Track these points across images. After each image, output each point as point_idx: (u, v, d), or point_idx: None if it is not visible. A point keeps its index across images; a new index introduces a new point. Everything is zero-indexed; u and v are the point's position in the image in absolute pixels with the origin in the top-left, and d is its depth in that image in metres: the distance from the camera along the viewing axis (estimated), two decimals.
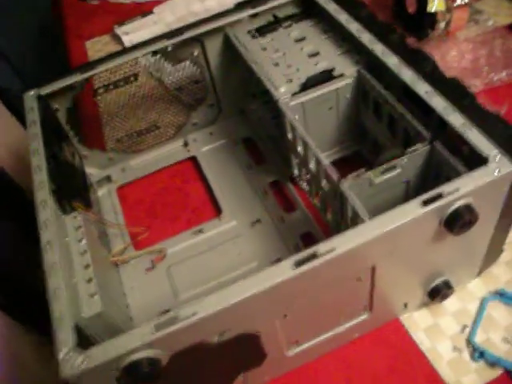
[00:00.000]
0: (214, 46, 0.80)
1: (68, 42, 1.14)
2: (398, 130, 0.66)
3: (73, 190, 0.72)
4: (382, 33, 0.69)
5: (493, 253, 0.65)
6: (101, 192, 0.85)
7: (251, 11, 0.77)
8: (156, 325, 0.48)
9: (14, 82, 1.65)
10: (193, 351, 0.51)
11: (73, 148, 0.80)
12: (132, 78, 0.79)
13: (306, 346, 0.61)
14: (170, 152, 0.88)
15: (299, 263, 0.49)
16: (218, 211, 0.79)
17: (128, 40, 1.08)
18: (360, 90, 0.71)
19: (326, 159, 0.76)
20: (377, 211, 0.63)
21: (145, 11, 1.15)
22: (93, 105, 0.91)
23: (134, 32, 1.09)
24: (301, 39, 0.75)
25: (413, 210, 0.50)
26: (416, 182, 0.64)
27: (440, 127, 0.58)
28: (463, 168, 0.56)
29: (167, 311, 0.70)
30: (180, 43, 0.77)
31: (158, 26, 1.09)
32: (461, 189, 0.50)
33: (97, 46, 1.11)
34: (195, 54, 0.79)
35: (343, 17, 0.72)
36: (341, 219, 0.61)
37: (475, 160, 0.53)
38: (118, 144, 0.87)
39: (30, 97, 0.72)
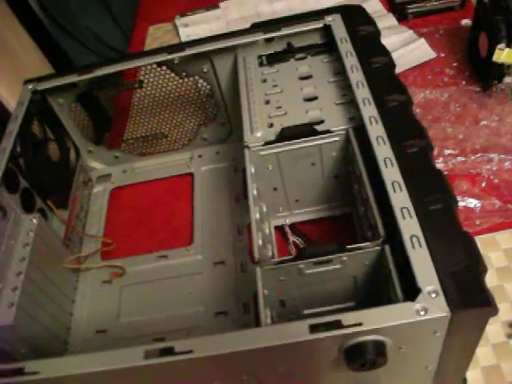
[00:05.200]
0: (224, 65, 0.73)
1: (135, 22, 1.14)
2: (367, 213, 0.56)
3: (48, 189, 0.72)
4: (388, 91, 0.58)
5: None
6: (97, 189, 0.84)
7: (266, 35, 0.69)
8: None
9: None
10: None
11: (70, 143, 0.79)
12: (137, 85, 0.76)
13: None
14: (174, 163, 0.84)
15: (150, 355, 0.44)
16: (190, 240, 0.74)
17: (185, 33, 1.04)
18: (349, 150, 0.61)
19: (311, 214, 0.69)
20: (317, 301, 0.56)
21: (214, 3, 1.10)
22: (126, 97, 0.91)
23: (193, 25, 1.05)
24: (306, 77, 0.66)
25: (298, 332, 0.42)
26: (368, 278, 0.54)
27: (394, 230, 0.48)
28: (400, 292, 0.46)
29: (103, 331, 0.70)
30: (188, 58, 0.72)
31: (219, 22, 1.04)
32: (364, 324, 0.41)
33: (157, 33, 1.08)
34: (205, 70, 0.74)
35: (351, 62, 0.61)
36: None
37: (412, 287, 0.43)
38: (131, 143, 0.85)
39: (26, 90, 0.72)
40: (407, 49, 0.92)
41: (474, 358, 0.58)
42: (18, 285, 0.62)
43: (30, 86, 0.73)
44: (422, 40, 0.94)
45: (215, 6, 1.10)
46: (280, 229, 0.71)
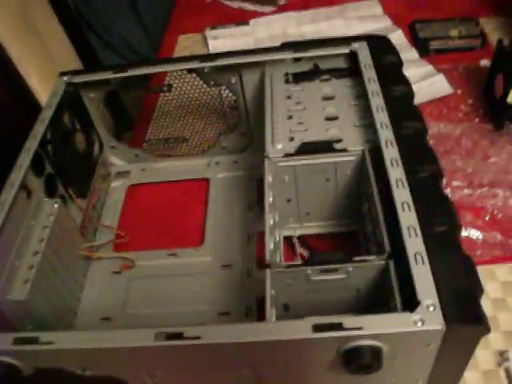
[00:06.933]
0: (251, 79, 0.77)
1: (166, 31, 1.18)
2: (375, 230, 0.59)
3: (70, 178, 0.76)
4: (404, 118, 0.61)
5: None
6: (115, 184, 0.87)
7: (295, 54, 0.73)
8: (15, 338, 0.49)
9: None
10: (58, 373, 0.51)
11: (95, 136, 0.83)
12: (165, 89, 0.79)
13: None
14: (191, 167, 0.88)
15: (160, 337, 0.46)
16: (201, 241, 0.77)
17: (213, 45, 1.08)
18: (363, 171, 0.64)
19: (319, 229, 0.72)
20: (319, 309, 0.58)
21: (244, 20, 1.15)
22: (152, 99, 0.95)
23: (222, 38, 1.09)
24: (329, 98, 0.70)
25: (301, 330, 0.45)
26: (370, 291, 0.56)
27: (398, 247, 0.51)
28: (400, 304, 0.49)
29: (108, 319, 0.72)
30: (218, 68, 0.75)
31: (247, 38, 1.08)
32: (364, 328, 0.44)
33: (186, 43, 1.13)
34: (233, 81, 0.78)
35: (372, 88, 0.65)
36: None
37: (412, 300, 0.46)
38: (152, 144, 0.89)
39: (61, 82, 0.76)
40: (426, 82, 0.96)
41: (463, 382, 0.60)
42: (34, 263, 0.64)
43: (65, 78, 0.77)
44: (441, 75, 0.97)
45: (245, 23, 1.14)
46: (288, 240, 0.74)
